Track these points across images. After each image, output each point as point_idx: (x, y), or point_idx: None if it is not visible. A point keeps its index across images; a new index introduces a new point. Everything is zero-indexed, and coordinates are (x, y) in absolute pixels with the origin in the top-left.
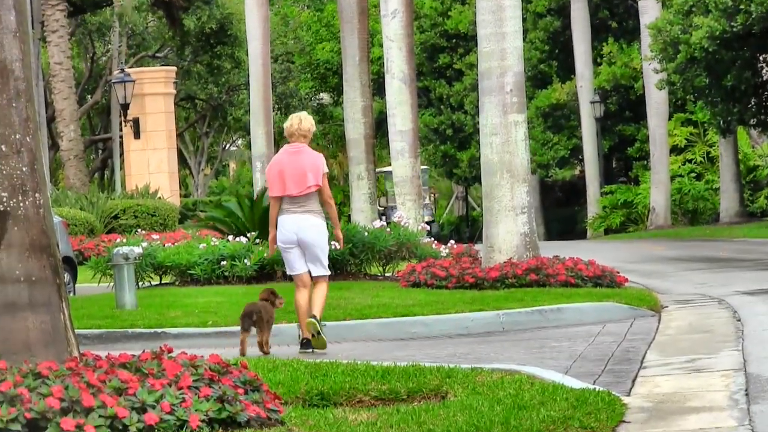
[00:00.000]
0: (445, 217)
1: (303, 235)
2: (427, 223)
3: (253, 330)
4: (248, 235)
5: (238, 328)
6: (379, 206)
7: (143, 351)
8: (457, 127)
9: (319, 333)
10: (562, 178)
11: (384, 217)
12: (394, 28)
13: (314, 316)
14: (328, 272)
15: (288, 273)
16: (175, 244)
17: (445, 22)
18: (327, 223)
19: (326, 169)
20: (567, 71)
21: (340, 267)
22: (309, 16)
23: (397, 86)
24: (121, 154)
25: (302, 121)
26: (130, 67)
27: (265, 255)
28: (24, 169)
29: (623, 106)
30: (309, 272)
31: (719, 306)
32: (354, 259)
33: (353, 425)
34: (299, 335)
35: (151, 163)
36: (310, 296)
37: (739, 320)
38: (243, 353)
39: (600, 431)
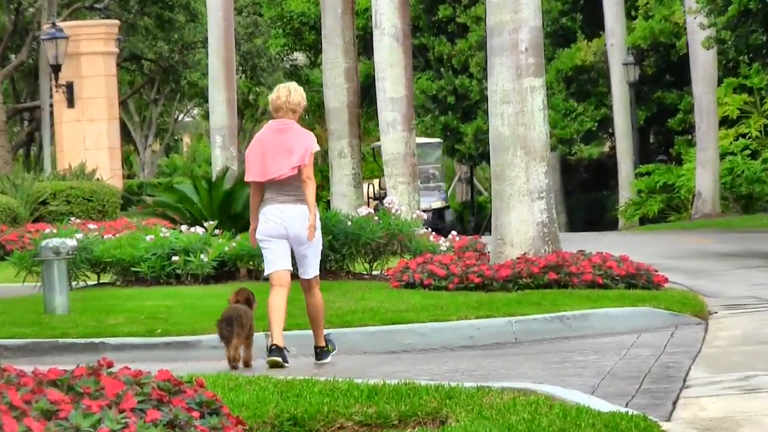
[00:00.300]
0: None
1: (293, 230)
2: (438, 210)
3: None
4: (206, 224)
5: (193, 338)
6: (380, 188)
7: (77, 365)
8: (460, 93)
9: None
10: (588, 156)
11: (381, 203)
12: None
13: (320, 348)
14: (317, 273)
15: (265, 272)
16: (117, 235)
17: None
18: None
19: (317, 147)
20: (594, 26)
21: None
22: None
23: (387, 44)
24: (52, 126)
25: (291, 93)
26: (62, 21)
27: (226, 249)
28: None
29: (662, 69)
30: (290, 271)
31: None
32: (334, 254)
33: None
34: (268, 344)
35: (87, 137)
36: (287, 299)
37: None
38: (236, 361)
39: None
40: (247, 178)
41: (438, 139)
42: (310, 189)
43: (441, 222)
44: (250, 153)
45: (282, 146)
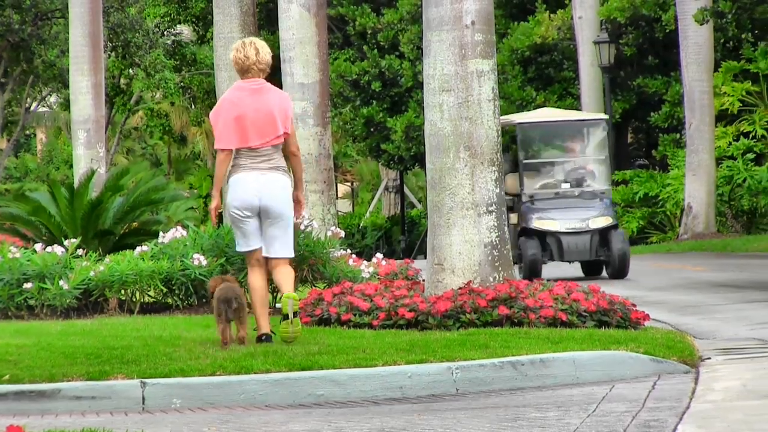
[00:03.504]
0: (369, 218)
1: (268, 201)
2: (602, 232)
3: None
4: (66, 242)
5: (50, 385)
6: None
7: None
8: (388, 78)
9: (296, 313)
10: None
11: None
12: None
13: (292, 297)
14: (293, 253)
15: (240, 249)
16: None
17: None
18: None
19: (292, 111)
20: None
21: (204, 292)
22: None
23: (296, 14)
24: None
25: (260, 51)
26: None
27: (91, 274)
28: None
29: (644, 50)
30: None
31: None
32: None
33: None
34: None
35: None
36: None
37: None
38: (226, 342)
39: None
40: (222, 145)
41: (601, 115)
42: (300, 164)
43: (605, 251)
44: (220, 117)
45: (262, 110)
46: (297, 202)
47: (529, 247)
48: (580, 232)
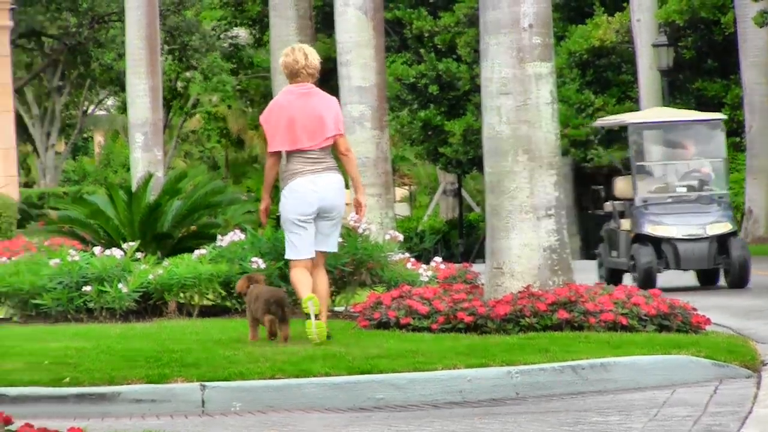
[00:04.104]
0: (427, 222)
1: (327, 202)
2: (721, 238)
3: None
4: (124, 246)
5: (110, 388)
6: None
7: None
8: (445, 81)
9: (318, 316)
10: (608, 163)
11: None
12: None
13: (312, 299)
14: (337, 249)
15: (293, 257)
16: (13, 258)
17: None
18: None
19: (342, 117)
20: None
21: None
22: None
23: (353, 18)
24: None
25: (309, 56)
26: None
27: (150, 277)
28: None
29: (703, 53)
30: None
31: None
32: (287, 284)
33: None
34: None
35: None
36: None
37: None
38: (275, 335)
39: None
40: (274, 148)
41: (718, 115)
42: (353, 163)
43: (724, 259)
44: (273, 120)
45: (312, 113)
46: (358, 206)
47: (642, 254)
48: (697, 238)
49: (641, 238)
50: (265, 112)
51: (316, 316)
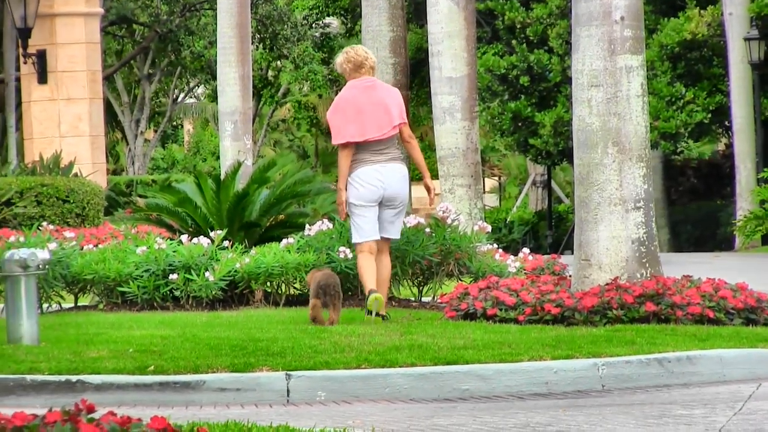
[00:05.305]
0: (516, 213)
1: (390, 190)
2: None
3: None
4: (212, 234)
5: (195, 377)
6: None
7: (49, 409)
8: (536, 73)
9: (379, 314)
10: (698, 156)
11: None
12: None
13: (378, 299)
14: (399, 236)
15: (358, 240)
16: (100, 246)
17: None
18: None
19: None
20: None
21: (352, 286)
22: None
23: (445, 8)
24: (18, 106)
25: (368, 51)
26: None
27: (237, 265)
28: None
29: None
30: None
31: None
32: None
33: None
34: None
35: (63, 122)
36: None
37: None
38: (322, 322)
39: None
40: (341, 140)
41: None
42: (417, 149)
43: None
44: (342, 113)
45: (378, 104)
46: (428, 189)
47: None
48: None
49: None
50: (332, 108)
51: (378, 314)
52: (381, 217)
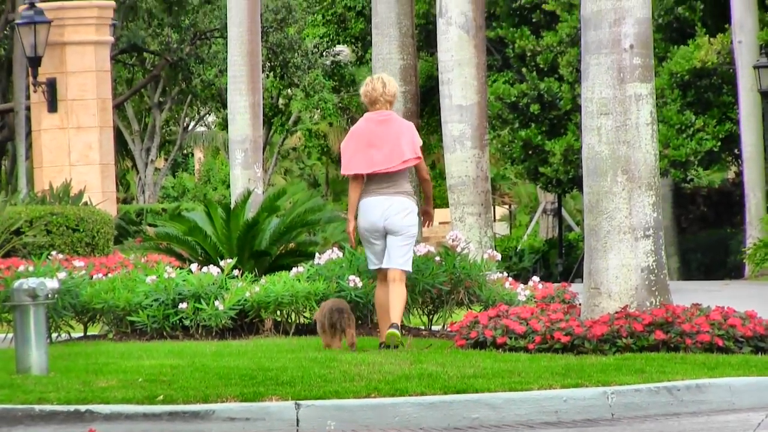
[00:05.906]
0: (527, 241)
1: (392, 223)
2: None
3: None
4: (222, 263)
5: (204, 406)
6: None
7: None
8: (546, 101)
9: (397, 347)
10: (708, 184)
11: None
12: None
13: (395, 325)
14: (410, 269)
15: (370, 267)
16: (109, 275)
17: None
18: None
19: (420, 140)
20: (719, 18)
21: (362, 314)
22: None
23: (455, 36)
24: (28, 135)
25: (386, 84)
26: (43, 1)
27: (247, 294)
28: None
29: None
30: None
31: None
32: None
33: None
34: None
35: (73, 150)
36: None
37: None
38: (329, 346)
39: None
40: (348, 171)
41: None
42: (430, 187)
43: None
44: (352, 145)
45: (389, 138)
46: (426, 214)
47: None
48: None
49: None
50: (345, 139)
51: (396, 346)
52: (389, 244)
